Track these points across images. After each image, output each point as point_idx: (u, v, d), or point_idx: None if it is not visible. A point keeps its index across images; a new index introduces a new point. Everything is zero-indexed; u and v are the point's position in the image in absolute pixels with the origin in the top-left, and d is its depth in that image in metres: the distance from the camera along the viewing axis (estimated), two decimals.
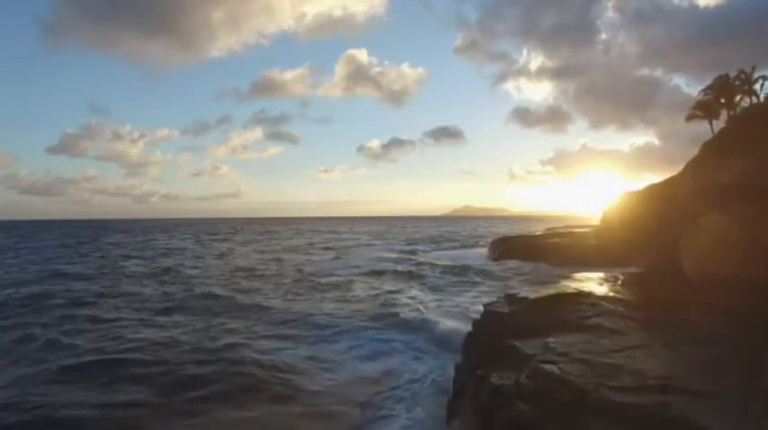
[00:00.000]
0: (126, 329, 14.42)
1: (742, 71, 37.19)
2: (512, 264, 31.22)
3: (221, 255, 45.72)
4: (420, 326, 14.13)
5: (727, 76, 37.42)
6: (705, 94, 39.64)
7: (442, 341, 12.88)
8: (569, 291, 11.22)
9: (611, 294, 10.75)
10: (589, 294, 10.67)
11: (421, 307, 17.04)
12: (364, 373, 11.24)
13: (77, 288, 23.05)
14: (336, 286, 23.42)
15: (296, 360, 11.81)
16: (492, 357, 8.66)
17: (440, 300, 19.09)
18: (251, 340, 13.11)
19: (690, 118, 43.01)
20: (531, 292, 11.87)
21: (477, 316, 12.92)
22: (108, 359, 11.91)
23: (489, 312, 11.01)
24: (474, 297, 19.13)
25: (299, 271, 30.37)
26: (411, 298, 19.34)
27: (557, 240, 34.85)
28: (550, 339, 7.87)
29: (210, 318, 15.78)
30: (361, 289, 22.30)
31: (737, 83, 37.17)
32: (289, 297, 20.08)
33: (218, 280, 25.80)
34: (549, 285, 17.89)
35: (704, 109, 41.40)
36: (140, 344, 13.05)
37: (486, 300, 17.04)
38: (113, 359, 11.91)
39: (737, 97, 37.62)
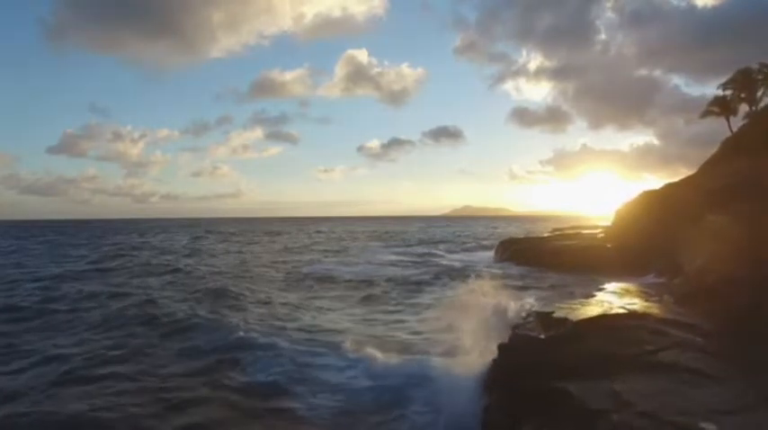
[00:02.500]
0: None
1: (764, 64, 35.26)
2: (523, 269, 29.23)
3: (214, 256, 43.84)
4: (429, 354, 11.88)
5: (748, 69, 35.52)
6: (724, 89, 37.74)
7: (455, 370, 10.80)
8: (616, 310, 9.30)
9: (672, 316, 8.80)
10: (644, 315, 8.74)
11: (431, 327, 14.89)
12: (363, 415, 9.21)
13: (51, 295, 21.12)
14: (332, 296, 21.27)
15: (271, 395, 9.77)
16: (536, 404, 6.76)
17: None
18: (226, 374, 10.95)
19: (705, 115, 41.05)
20: (561, 307, 9.98)
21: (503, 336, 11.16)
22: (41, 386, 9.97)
23: (521, 337, 9.09)
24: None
25: (293, 276, 28.26)
26: (417, 315, 17.06)
27: (569, 243, 32.93)
28: (617, 385, 5.97)
29: (183, 333, 13.72)
30: (360, 301, 20.03)
31: (760, 77, 35.30)
32: (275, 309, 17.89)
33: (202, 284, 23.75)
34: (576, 297, 15.99)
35: (721, 105, 39.48)
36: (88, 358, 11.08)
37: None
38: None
39: (759, 92, 35.79)
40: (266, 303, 18.71)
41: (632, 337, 7.45)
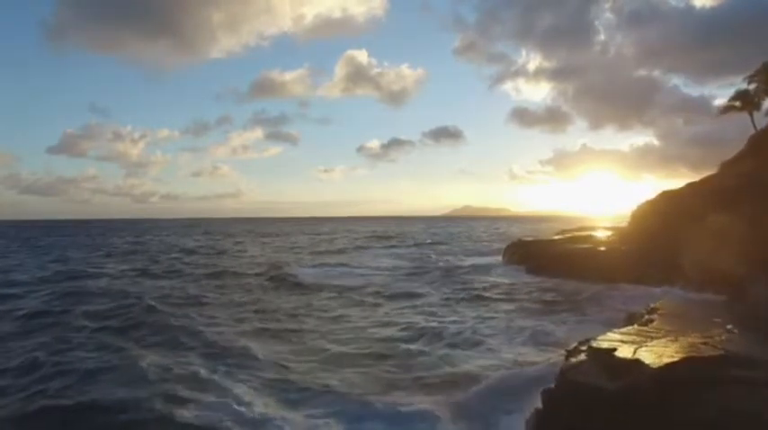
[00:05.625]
0: None
1: None
2: (535, 277, 26.83)
3: (208, 256, 42.21)
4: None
5: None
6: (750, 82, 35.37)
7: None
8: (701, 347, 6.97)
9: None
10: (739, 358, 6.39)
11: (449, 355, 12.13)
12: None
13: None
14: (316, 311, 18.28)
15: None
16: None
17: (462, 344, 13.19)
18: None
19: (726, 110, 38.59)
20: (621, 340, 7.66)
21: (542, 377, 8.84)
22: None
23: (576, 385, 6.78)
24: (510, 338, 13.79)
25: (279, 283, 25.61)
26: (413, 343, 13.51)
27: (584, 246, 30.54)
28: None
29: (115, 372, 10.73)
30: (347, 320, 16.91)
31: None
32: (254, 324, 15.38)
33: (175, 294, 21.31)
34: (617, 316, 13.71)
35: (744, 99, 37.09)
36: None
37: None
38: None
39: None
40: (235, 321, 15.97)
41: (759, 401, 5.11)
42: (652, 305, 11.14)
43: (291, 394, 9.21)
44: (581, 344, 8.33)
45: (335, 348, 12.84)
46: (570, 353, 8.17)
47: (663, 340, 7.60)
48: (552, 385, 7.61)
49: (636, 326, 9.14)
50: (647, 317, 9.92)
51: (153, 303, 17.50)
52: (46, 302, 18.97)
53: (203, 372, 9.84)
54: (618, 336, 7.98)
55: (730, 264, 20.31)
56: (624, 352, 7.00)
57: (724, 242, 22.16)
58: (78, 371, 9.92)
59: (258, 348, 12.24)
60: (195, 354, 11.26)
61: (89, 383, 9.26)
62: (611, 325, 13.78)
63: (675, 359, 6.34)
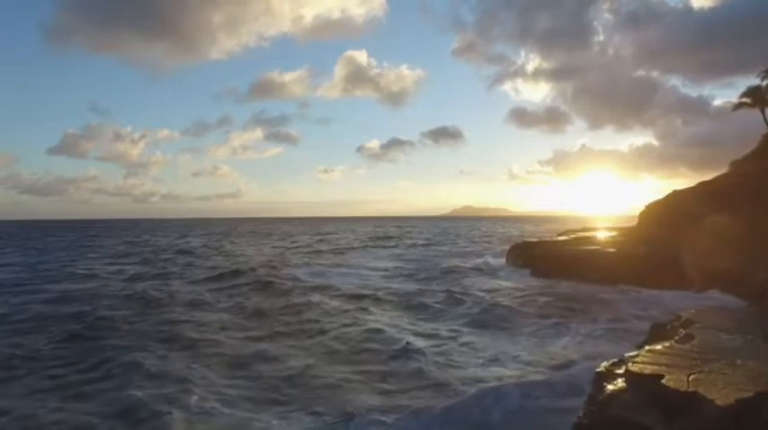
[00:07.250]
0: None
1: None
2: (542, 281, 25.54)
3: (201, 256, 41.27)
4: None
5: None
6: (764, 77, 34.14)
7: None
8: None
9: None
10: None
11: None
12: None
13: None
14: (317, 313, 16.99)
15: None
16: None
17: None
18: None
19: (737, 107, 37.42)
20: (667, 365, 6.41)
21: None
22: None
23: (619, 423, 5.50)
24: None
25: (278, 283, 24.45)
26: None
27: (592, 248, 29.30)
28: None
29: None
30: (352, 323, 15.45)
31: None
32: (238, 335, 14.01)
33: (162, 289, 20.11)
34: (629, 318, 12.42)
35: (755, 96, 35.90)
36: None
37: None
38: None
39: None
40: (220, 329, 14.59)
41: None
42: (684, 316, 9.80)
43: (272, 424, 7.95)
44: (614, 365, 7.05)
45: (322, 360, 11.66)
46: (602, 377, 6.90)
47: (717, 364, 6.31)
48: (582, 417, 6.40)
49: (674, 342, 7.84)
50: (683, 332, 8.60)
51: (133, 312, 16.23)
52: (14, 307, 17.61)
53: (173, 412, 8.36)
54: (660, 358, 6.69)
55: (742, 265, 19.24)
56: (675, 380, 5.71)
57: (738, 243, 21.06)
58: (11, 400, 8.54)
59: (239, 369, 10.85)
60: (165, 379, 9.77)
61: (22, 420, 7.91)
62: (627, 332, 12.75)
63: (749, 394, 5.05)
